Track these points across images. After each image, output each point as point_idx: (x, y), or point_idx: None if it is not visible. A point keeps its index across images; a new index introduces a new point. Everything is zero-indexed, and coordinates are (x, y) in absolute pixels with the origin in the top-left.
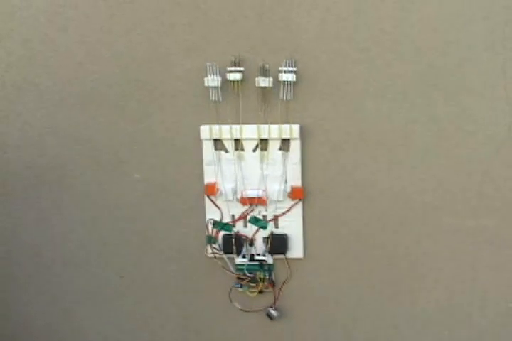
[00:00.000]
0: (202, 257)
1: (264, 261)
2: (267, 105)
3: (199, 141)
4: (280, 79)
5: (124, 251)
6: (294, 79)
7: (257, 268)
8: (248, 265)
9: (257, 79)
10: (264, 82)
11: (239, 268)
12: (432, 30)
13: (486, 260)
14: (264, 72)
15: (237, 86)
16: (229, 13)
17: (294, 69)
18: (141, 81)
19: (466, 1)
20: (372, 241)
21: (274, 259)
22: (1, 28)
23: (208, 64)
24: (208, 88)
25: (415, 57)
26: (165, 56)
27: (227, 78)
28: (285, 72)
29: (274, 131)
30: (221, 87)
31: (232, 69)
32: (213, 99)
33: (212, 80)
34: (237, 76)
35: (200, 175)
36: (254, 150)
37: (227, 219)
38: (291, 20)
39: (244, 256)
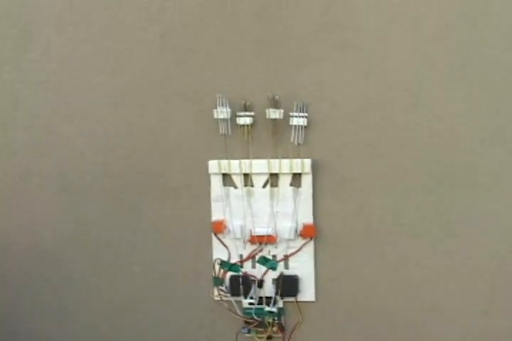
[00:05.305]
0: (209, 300)
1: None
2: (277, 139)
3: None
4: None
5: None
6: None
7: (266, 311)
8: (256, 308)
9: (267, 110)
10: (274, 113)
11: (246, 311)
12: (440, 125)
13: None
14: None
15: (247, 130)
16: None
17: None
18: (142, 173)
19: (475, 94)
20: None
21: (284, 302)
22: (5, 116)
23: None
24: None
25: (422, 153)
26: (168, 149)
27: (237, 122)
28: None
29: (285, 166)
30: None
31: (242, 113)
32: (223, 132)
33: (222, 112)
34: (247, 120)
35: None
36: (264, 186)
37: (234, 259)
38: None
39: (252, 299)
